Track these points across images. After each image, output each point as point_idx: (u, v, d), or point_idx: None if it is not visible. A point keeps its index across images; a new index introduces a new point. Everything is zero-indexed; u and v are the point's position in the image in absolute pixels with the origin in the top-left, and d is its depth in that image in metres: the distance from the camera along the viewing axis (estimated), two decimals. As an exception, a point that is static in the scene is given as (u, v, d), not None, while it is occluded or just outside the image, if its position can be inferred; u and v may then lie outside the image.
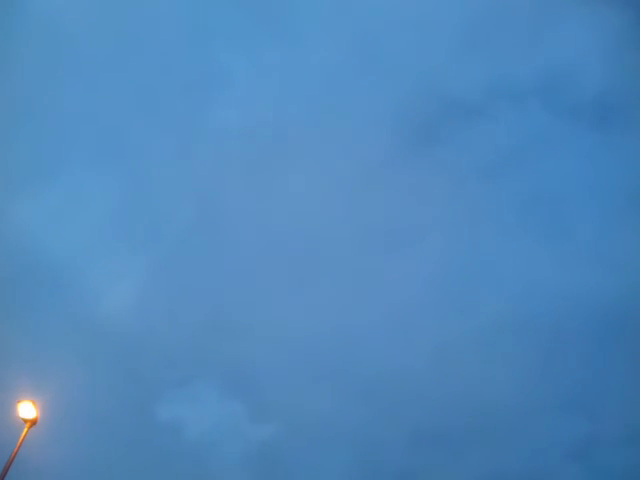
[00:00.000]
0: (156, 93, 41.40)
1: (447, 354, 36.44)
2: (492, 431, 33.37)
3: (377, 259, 41.67)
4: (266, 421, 34.28)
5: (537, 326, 37.20)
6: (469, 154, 42.74)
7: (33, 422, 12.82)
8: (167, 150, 41.42)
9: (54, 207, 38.47)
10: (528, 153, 43.10)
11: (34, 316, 32.67)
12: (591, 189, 41.09)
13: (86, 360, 31.07)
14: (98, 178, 40.22)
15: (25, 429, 12.76)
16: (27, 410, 12.79)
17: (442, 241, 41.61)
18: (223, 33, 41.92)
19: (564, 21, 41.59)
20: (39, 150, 38.82)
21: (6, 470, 11.95)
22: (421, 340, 37.22)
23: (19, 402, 12.76)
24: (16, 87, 38.18)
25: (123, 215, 40.31)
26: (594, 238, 39.82)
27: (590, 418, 33.58)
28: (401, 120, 42.08)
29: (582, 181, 41.44)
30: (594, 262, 38.23)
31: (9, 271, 33.61)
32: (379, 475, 32.69)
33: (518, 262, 40.56)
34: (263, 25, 42.28)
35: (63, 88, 39.59)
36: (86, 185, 39.78)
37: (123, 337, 33.53)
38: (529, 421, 33.90)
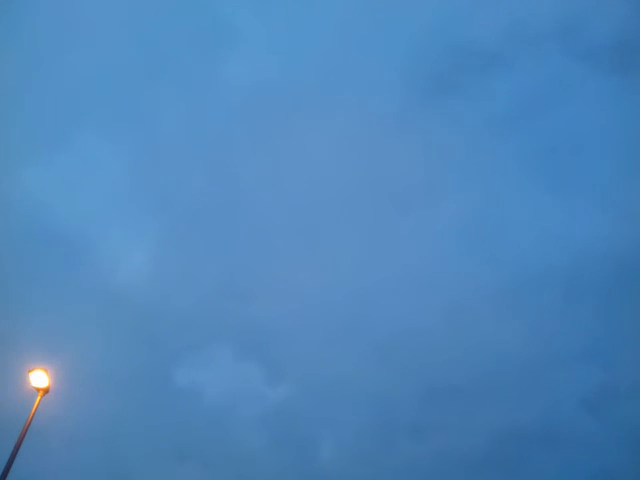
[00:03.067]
0: (166, 54, 40.25)
1: (461, 310, 36.30)
2: (506, 385, 33.47)
3: (390, 217, 41.05)
4: (282, 382, 34.71)
5: (551, 279, 36.82)
6: (485, 104, 41.20)
7: (46, 390, 12.72)
8: (179, 113, 40.56)
9: (66, 173, 38.24)
10: (546, 100, 41.42)
11: (46, 283, 32.87)
12: (608, 137, 39.57)
13: (101, 327, 31.36)
14: (110, 143, 39.74)
15: (38, 398, 12.71)
16: (39, 379, 12.71)
17: (456, 197, 40.81)
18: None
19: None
20: (50, 115, 38.19)
21: (21, 439, 11.91)
22: (435, 297, 37.01)
23: (30, 371, 12.64)
24: (27, 52, 37.34)
25: (136, 180, 39.93)
26: (609, 188, 38.76)
27: (605, 369, 33.46)
28: (413, 72, 40.42)
29: (599, 129, 39.88)
30: (609, 212, 37.36)
31: (21, 238, 33.67)
32: (394, 431, 33.15)
33: (533, 215, 39.81)
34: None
35: (74, 53, 38.56)
36: (98, 150, 39.29)
37: (138, 303, 33.73)
38: (543, 374, 33.90)
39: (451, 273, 38.25)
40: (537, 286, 36.95)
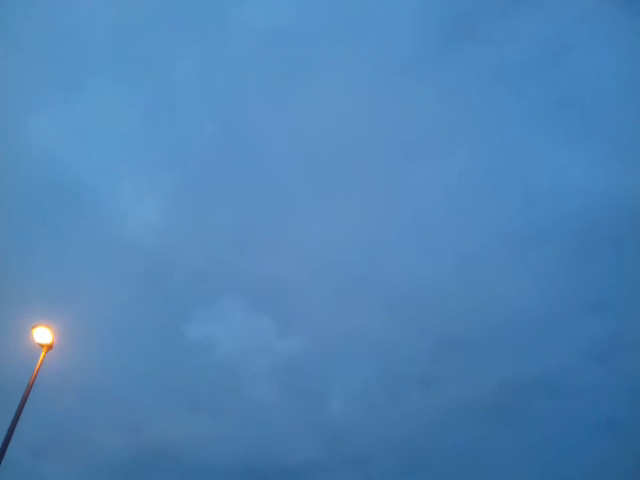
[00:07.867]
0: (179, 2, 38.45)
1: (471, 262, 35.87)
2: (515, 336, 33.40)
3: (402, 166, 39.98)
4: (293, 335, 35.01)
5: (565, 230, 35.96)
6: (506, 48, 38.89)
7: (49, 347, 12.68)
8: (192, 62, 39.12)
9: (76, 122, 37.32)
10: (570, 43, 38.95)
11: (53, 236, 32.71)
12: (632, 84, 37.31)
13: (111, 281, 31.46)
14: (121, 91, 38.53)
15: (42, 354, 12.70)
16: (43, 335, 12.64)
17: (470, 146, 39.37)
18: None
19: None
20: (60, 62, 36.87)
21: (26, 395, 11.96)
22: (445, 250, 36.54)
23: (34, 327, 12.60)
24: (40, 2, 35.82)
25: (148, 130, 38.97)
26: (630, 137, 36.92)
27: (614, 319, 33.09)
28: (430, 14, 38.09)
29: (623, 75, 37.53)
30: (628, 163, 35.77)
31: (28, 189, 33.33)
32: (403, 382, 33.53)
33: (549, 165, 38.43)
34: None
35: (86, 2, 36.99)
36: (109, 99, 38.07)
37: (148, 256, 33.72)
38: (552, 325, 33.74)
39: (462, 224, 37.65)
40: (549, 237, 36.30)
